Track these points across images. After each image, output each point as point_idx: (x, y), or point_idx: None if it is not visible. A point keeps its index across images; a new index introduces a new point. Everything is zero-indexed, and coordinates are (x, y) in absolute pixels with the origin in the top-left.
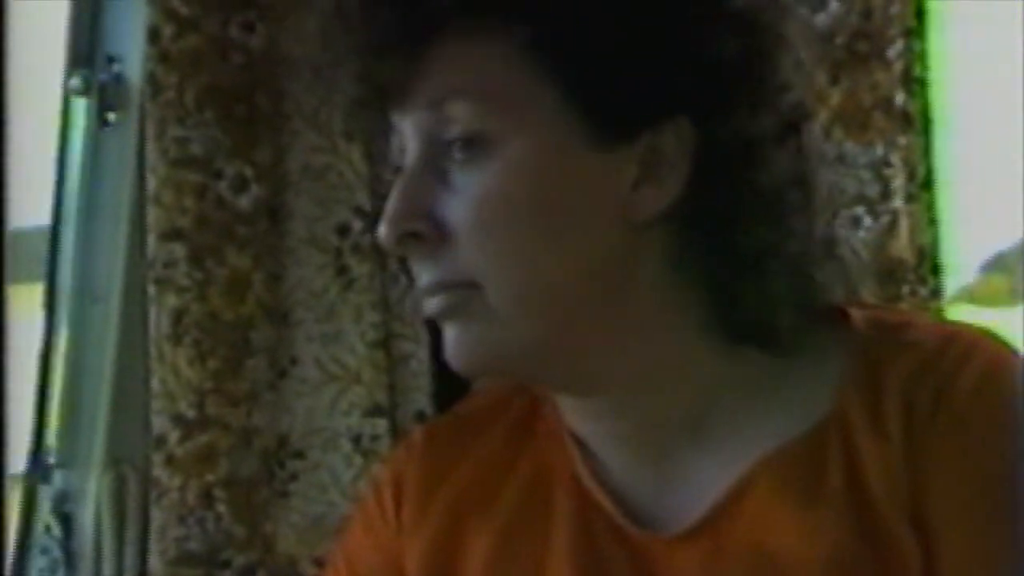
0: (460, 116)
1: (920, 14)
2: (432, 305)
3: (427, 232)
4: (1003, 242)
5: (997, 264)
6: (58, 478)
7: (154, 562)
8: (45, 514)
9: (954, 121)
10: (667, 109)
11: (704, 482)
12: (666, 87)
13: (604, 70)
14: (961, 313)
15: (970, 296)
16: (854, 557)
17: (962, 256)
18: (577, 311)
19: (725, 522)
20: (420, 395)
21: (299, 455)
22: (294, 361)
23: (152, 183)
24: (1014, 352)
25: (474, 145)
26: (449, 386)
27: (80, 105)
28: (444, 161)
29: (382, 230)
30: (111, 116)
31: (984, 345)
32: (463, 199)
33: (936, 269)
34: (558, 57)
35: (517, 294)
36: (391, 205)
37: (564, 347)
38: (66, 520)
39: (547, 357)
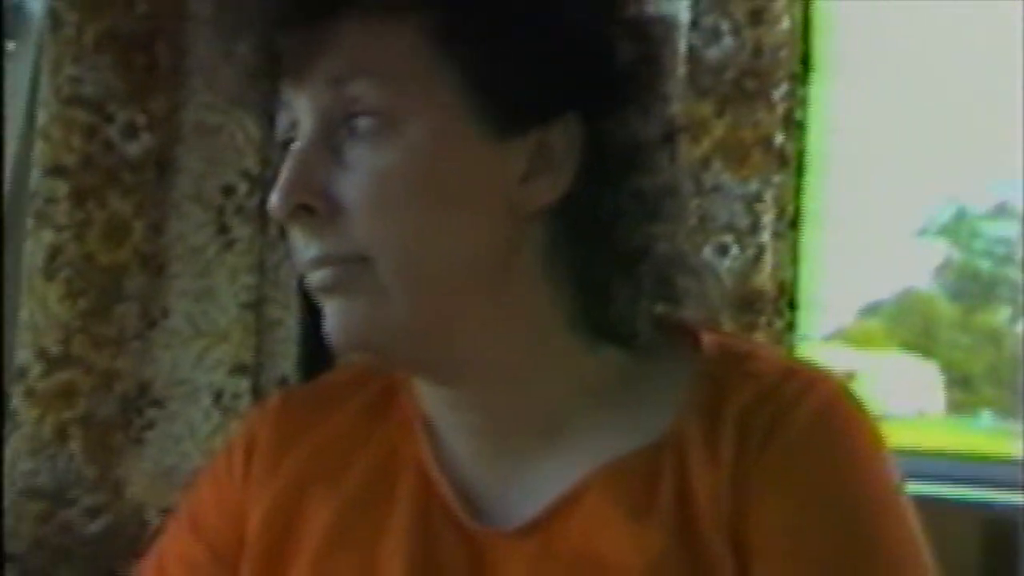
0: (362, 95)
1: (806, 61)
2: (317, 278)
3: (319, 206)
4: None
5: (874, 309)
6: None
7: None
8: None
9: (837, 165)
10: (560, 106)
11: (545, 483)
12: (560, 85)
13: (503, 63)
14: (834, 353)
15: (845, 337)
16: (674, 569)
17: (838, 298)
18: (457, 293)
19: (557, 523)
20: (285, 360)
21: (158, 404)
22: (165, 312)
23: (42, 117)
24: (849, 393)
25: (373, 124)
26: (313, 356)
27: None
28: (339, 138)
29: (273, 201)
30: (8, 45)
31: (821, 384)
32: (358, 175)
33: (793, 304)
34: (461, 46)
35: (405, 268)
36: (284, 177)
37: (439, 329)
38: None
39: (422, 338)
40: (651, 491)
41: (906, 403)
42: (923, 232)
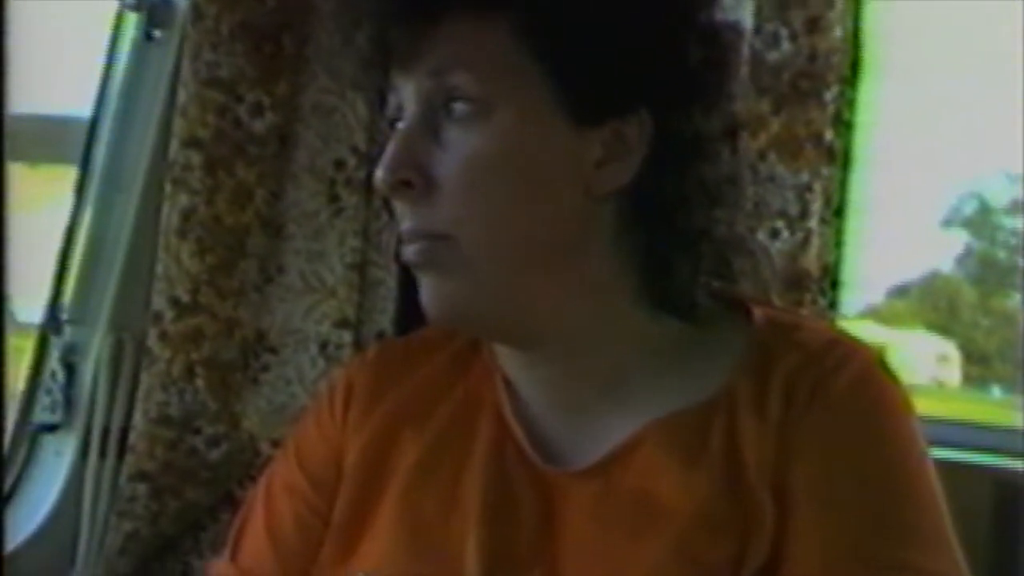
0: (459, 84)
1: (855, 65)
2: (410, 253)
3: (417, 181)
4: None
5: (902, 291)
6: (68, 332)
7: (137, 419)
8: (53, 361)
9: (876, 160)
10: (634, 102)
11: (608, 432)
12: (636, 82)
13: (585, 61)
14: (865, 329)
15: (875, 315)
16: (721, 511)
17: (870, 278)
18: (534, 267)
19: (617, 467)
20: (383, 316)
21: (273, 350)
22: (280, 269)
23: (182, 96)
24: (884, 363)
25: (468, 110)
26: (409, 313)
27: (131, 19)
28: (438, 122)
29: (379, 174)
30: (156, 33)
31: (860, 354)
32: (452, 156)
33: (835, 285)
34: (547, 44)
35: (487, 244)
36: (389, 154)
37: (518, 301)
38: (70, 369)
39: (502, 310)
40: (702, 443)
41: (927, 376)
42: (948, 223)
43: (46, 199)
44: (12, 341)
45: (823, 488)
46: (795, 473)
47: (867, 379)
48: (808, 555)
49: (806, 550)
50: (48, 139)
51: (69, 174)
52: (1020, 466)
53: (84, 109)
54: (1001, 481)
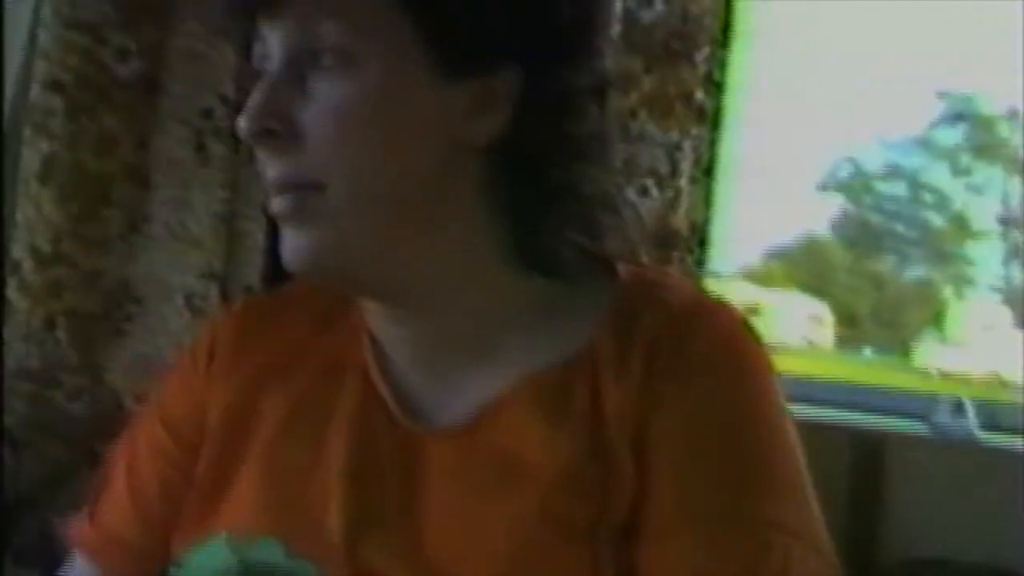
0: (326, 34)
1: (727, 27)
2: (277, 204)
3: (282, 131)
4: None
5: (778, 253)
6: None
7: None
8: None
9: (754, 124)
10: (503, 56)
11: (473, 391)
12: (504, 37)
13: (453, 13)
14: (740, 289)
15: (750, 276)
16: (583, 471)
17: (748, 240)
18: (400, 220)
19: (481, 426)
20: (251, 270)
21: (137, 301)
22: (146, 219)
23: (43, 38)
24: (746, 323)
25: (335, 60)
26: (277, 267)
27: None
28: (305, 71)
29: (242, 123)
30: None
31: (723, 313)
32: (318, 106)
33: (703, 243)
34: None
35: (353, 195)
36: (252, 102)
37: (382, 255)
38: None
39: (367, 263)
40: (566, 401)
41: (800, 336)
42: (823, 186)
43: None
44: None
45: (680, 445)
46: (654, 430)
47: (729, 338)
48: (664, 508)
49: (662, 504)
50: None
51: None
52: (886, 424)
53: None
54: (861, 439)
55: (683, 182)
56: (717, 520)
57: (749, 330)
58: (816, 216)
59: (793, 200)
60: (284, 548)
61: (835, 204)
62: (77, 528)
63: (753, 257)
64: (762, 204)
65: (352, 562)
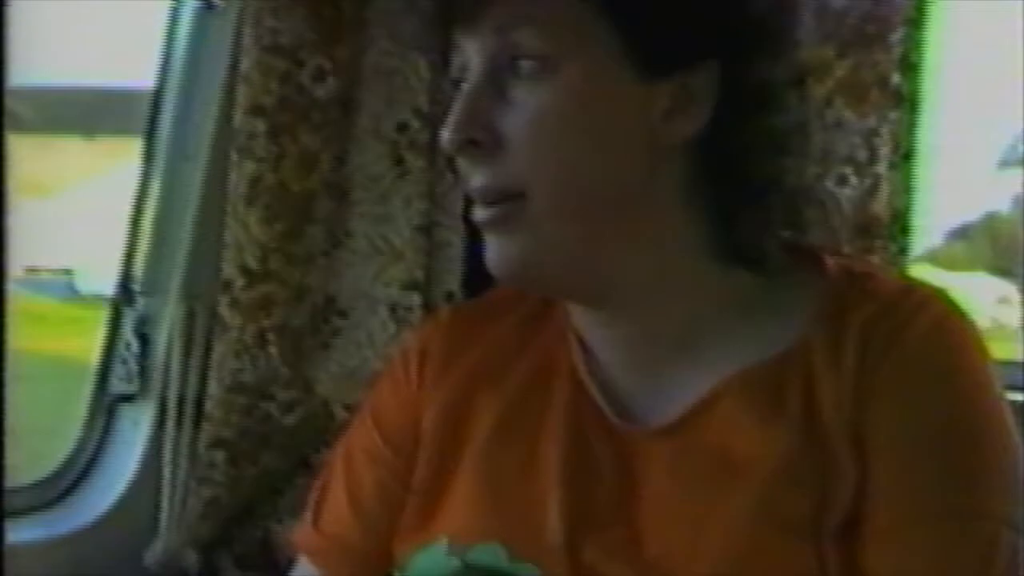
0: (524, 40)
1: (921, 6)
2: (481, 213)
3: (485, 140)
4: (969, 214)
5: (960, 234)
6: (141, 303)
7: (213, 386)
8: (127, 332)
9: (939, 102)
10: (700, 53)
11: (683, 389)
12: (701, 33)
13: (649, 13)
14: (924, 274)
15: (934, 259)
16: (800, 464)
17: (929, 222)
18: (604, 222)
19: (694, 424)
20: (451, 278)
21: (343, 314)
22: (348, 234)
23: (244, 64)
24: (959, 310)
25: (534, 67)
26: (476, 274)
27: None
28: (504, 80)
29: (445, 135)
30: (217, 1)
31: (934, 302)
32: (519, 113)
33: (906, 230)
34: (614, 1)
35: (557, 200)
36: (455, 114)
37: (587, 258)
38: (144, 339)
39: (571, 268)
40: (779, 396)
41: (987, 318)
42: (1004, 164)
43: (103, 170)
44: (73, 313)
45: (902, 438)
46: (873, 423)
47: (942, 326)
48: (890, 506)
49: (887, 501)
50: (109, 110)
51: (127, 145)
52: None
53: (142, 80)
54: None
55: (882, 168)
56: (944, 518)
57: (961, 317)
58: (998, 194)
59: (974, 179)
60: (505, 551)
61: (1017, 181)
62: (301, 534)
63: (936, 240)
64: (944, 185)
65: (574, 564)
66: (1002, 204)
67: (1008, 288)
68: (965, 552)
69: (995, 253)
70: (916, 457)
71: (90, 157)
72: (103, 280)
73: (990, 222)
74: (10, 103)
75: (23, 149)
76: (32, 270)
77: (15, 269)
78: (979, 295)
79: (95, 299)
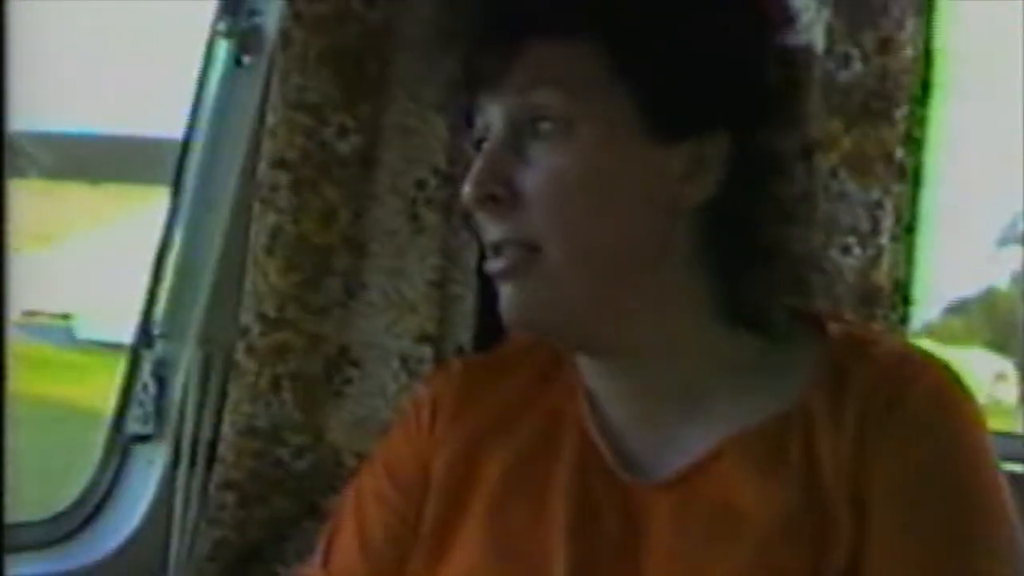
0: (544, 102)
1: (926, 84)
2: (495, 264)
3: (503, 195)
4: (967, 289)
5: (959, 308)
6: (159, 347)
7: (226, 430)
8: (145, 375)
9: (941, 177)
10: (713, 121)
11: (687, 444)
12: (716, 101)
13: (666, 81)
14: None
15: (932, 333)
16: (799, 521)
17: (928, 295)
18: (616, 278)
19: (697, 478)
20: (463, 331)
21: (355, 364)
22: (364, 286)
23: (271, 119)
24: (958, 378)
25: (553, 127)
26: (487, 329)
27: (222, 45)
28: (523, 139)
29: (466, 189)
30: (246, 59)
31: (934, 369)
32: (537, 172)
33: (907, 300)
34: (630, 65)
35: (571, 255)
36: (476, 170)
37: (598, 311)
38: (161, 382)
39: (583, 319)
40: (780, 454)
41: (984, 394)
42: (1004, 241)
43: (107, 218)
44: (71, 359)
45: (900, 501)
46: (872, 486)
47: (941, 393)
48: (888, 567)
49: (884, 563)
50: (114, 158)
51: (132, 192)
52: None
53: (149, 129)
54: None
55: (884, 239)
56: None
57: (961, 385)
58: (997, 270)
59: (973, 254)
60: None
61: (1016, 258)
62: (310, 573)
63: (934, 313)
64: (943, 259)
65: None
66: (1001, 280)
67: (1005, 364)
68: None
69: (992, 329)
70: (915, 519)
71: (95, 203)
72: (102, 327)
73: (988, 297)
74: (28, 148)
75: (28, 196)
76: (30, 314)
77: (14, 313)
78: (976, 370)
79: (93, 346)
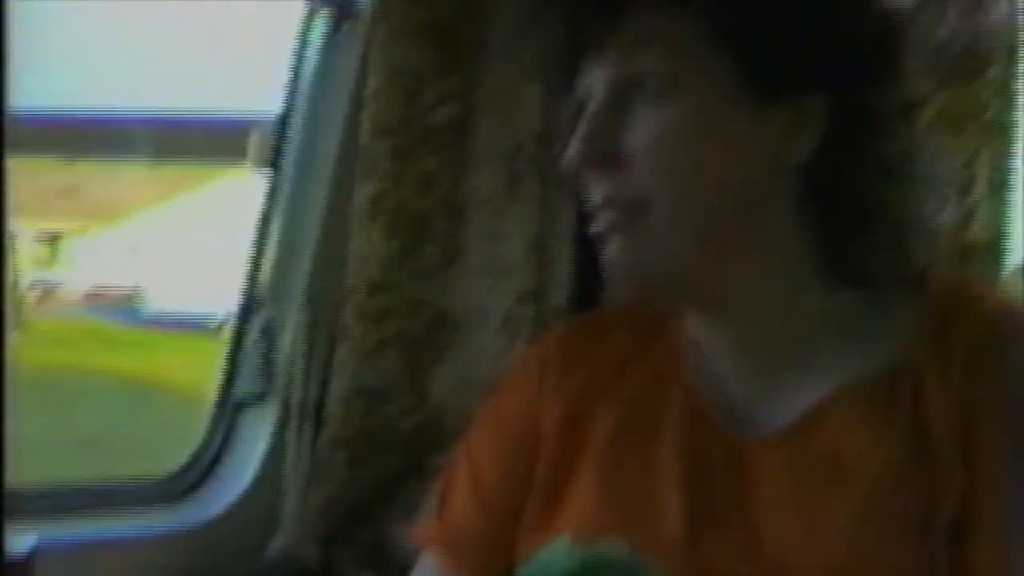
0: (648, 64)
1: (1018, 42)
2: (601, 220)
3: (608, 155)
4: None
5: None
6: (267, 307)
7: (334, 389)
8: (253, 337)
9: None
10: (813, 80)
11: (793, 398)
12: (815, 62)
13: (768, 41)
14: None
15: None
16: (908, 467)
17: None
18: (719, 235)
19: (806, 433)
20: (560, 293)
21: (457, 327)
22: (462, 251)
23: (371, 87)
24: None
25: (657, 86)
26: (585, 289)
27: (322, 14)
28: (627, 101)
29: (571, 151)
30: (344, 26)
31: None
32: (641, 132)
33: (999, 256)
34: (731, 28)
35: (677, 213)
36: (580, 132)
37: (704, 267)
38: (269, 344)
39: (689, 275)
40: (889, 408)
41: None
42: None
43: (167, 198)
44: (140, 339)
45: (1006, 449)
46: (979, 435)
47: None
48: (994, 514)
49: (992, 509)
50: (176, 138)
51: (191, 174)
52: None
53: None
54: None
55: (978, 197)
56: None
57: None
58: None
59: None
60: (627, 547)
61: None
62: (425, 527)
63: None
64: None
65: (695, 560)
66: None
67: None
68: None
69: None
70: (1018, 464)
71: (151, 186)
72: (166, 305)
73: None
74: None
75: (90, 175)
76: (96, 295)
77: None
78: None
79: (157, 323)
